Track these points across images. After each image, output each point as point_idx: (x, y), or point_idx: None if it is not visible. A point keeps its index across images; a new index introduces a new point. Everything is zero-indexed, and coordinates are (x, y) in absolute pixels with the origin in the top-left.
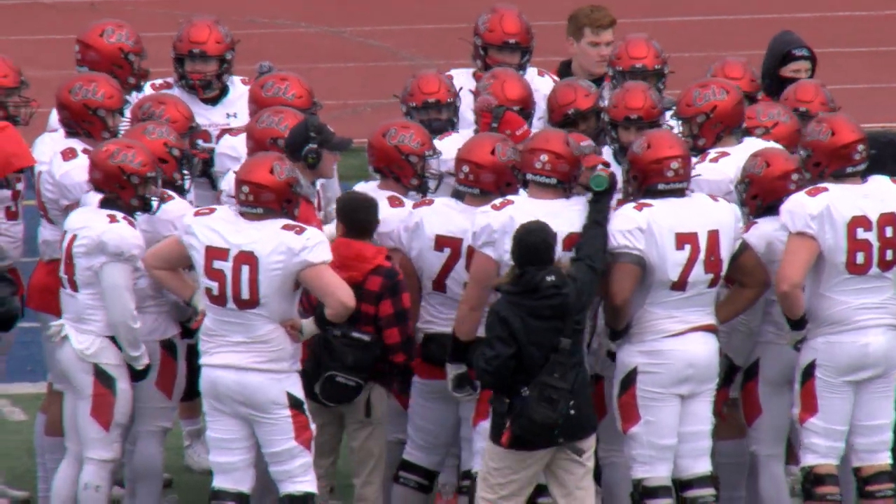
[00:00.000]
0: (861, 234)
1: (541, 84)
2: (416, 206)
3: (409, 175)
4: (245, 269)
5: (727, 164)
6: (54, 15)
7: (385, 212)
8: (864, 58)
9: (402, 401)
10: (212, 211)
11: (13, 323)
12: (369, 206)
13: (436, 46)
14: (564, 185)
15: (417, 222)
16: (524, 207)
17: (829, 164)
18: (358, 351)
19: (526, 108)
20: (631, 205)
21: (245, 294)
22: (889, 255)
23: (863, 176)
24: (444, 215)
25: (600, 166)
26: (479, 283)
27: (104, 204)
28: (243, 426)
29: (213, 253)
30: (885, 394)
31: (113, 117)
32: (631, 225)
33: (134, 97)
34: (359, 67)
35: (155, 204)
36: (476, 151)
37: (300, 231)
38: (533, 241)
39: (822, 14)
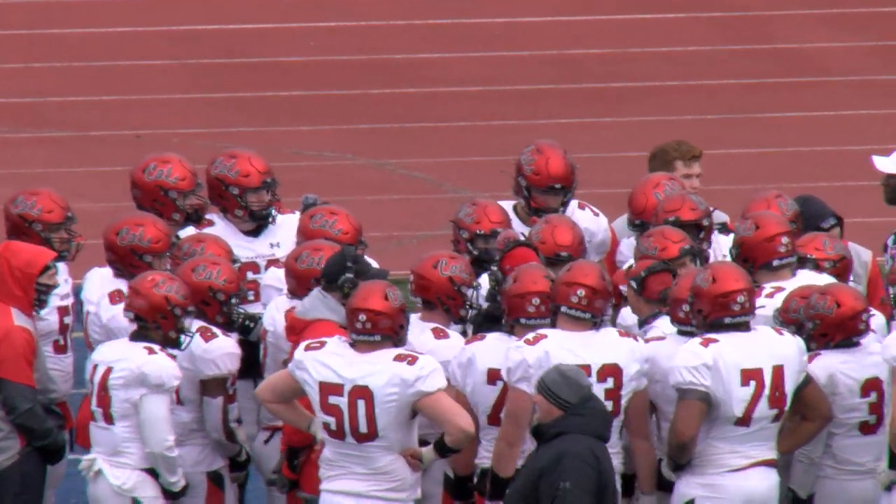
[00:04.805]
0: None
1: (581, 217)
2: (468, 342)
3: (459, 305)
4: (361, 404)
5: (781, 299)
6: (102, 147)
7: (430, 343)
8: None
9: None
10: (322, 345)
11: (60, 456)
12: None
13: (478, 178)
14: (596, 319)
15: (470, 358)
16: (558, 341)
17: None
18: None
19: (575, 255)
20: (696, 340)
21: (363, 428)
22: None
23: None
24: (497, 349)
25: None
26: (515, 420)
27: (135, 337)
28: None
29: (328, 389)
30: None
31: (159, 260)
32: (697, 361)
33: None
34: (403, 199)
35: (185, 341)
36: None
37: (413, 361)
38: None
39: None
